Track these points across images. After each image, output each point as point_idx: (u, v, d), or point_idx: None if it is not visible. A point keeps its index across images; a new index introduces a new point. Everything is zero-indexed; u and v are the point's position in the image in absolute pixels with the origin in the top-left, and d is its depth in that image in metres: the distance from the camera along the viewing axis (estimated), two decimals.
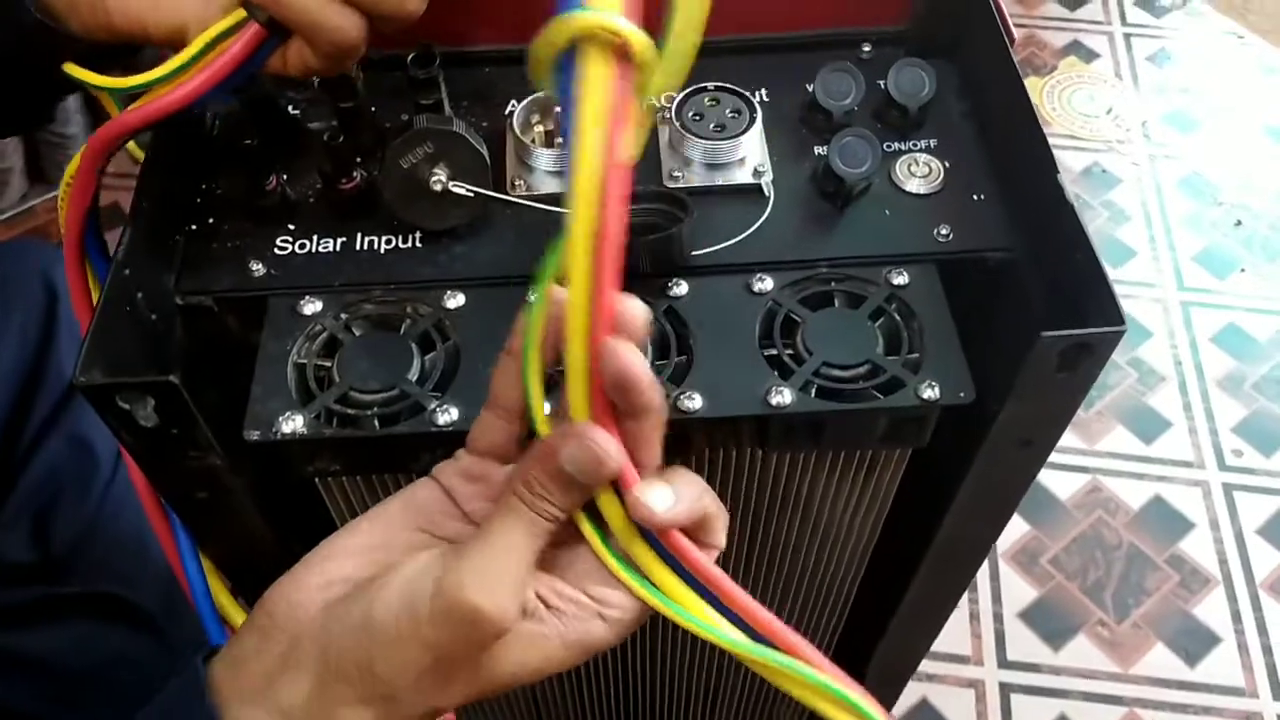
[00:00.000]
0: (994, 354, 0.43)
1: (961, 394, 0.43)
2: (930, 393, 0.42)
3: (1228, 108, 1.58)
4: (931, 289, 0.46)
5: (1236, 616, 1.11)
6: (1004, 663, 1.07)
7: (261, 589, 0.55)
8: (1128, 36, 1.67)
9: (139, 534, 0.73)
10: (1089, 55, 1.64)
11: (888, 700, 0.81)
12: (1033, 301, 0.45)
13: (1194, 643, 1.10)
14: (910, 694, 1.05)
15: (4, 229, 1.39)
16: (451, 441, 0.44)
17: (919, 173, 0.49)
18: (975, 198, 0.49)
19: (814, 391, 0.43)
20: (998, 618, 1.10)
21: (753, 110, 0.49)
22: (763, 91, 0.52)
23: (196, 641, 0.44)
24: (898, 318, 0.45)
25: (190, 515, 0.46)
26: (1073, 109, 1.57)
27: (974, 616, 1.10)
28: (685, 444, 0.46)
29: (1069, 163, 1.50)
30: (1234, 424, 1.25)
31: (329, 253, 0.47)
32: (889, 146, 0.50)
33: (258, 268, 0.46)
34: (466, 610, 0.32)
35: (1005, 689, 1.06)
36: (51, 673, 0.70)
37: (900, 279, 0.46)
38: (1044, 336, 0.39)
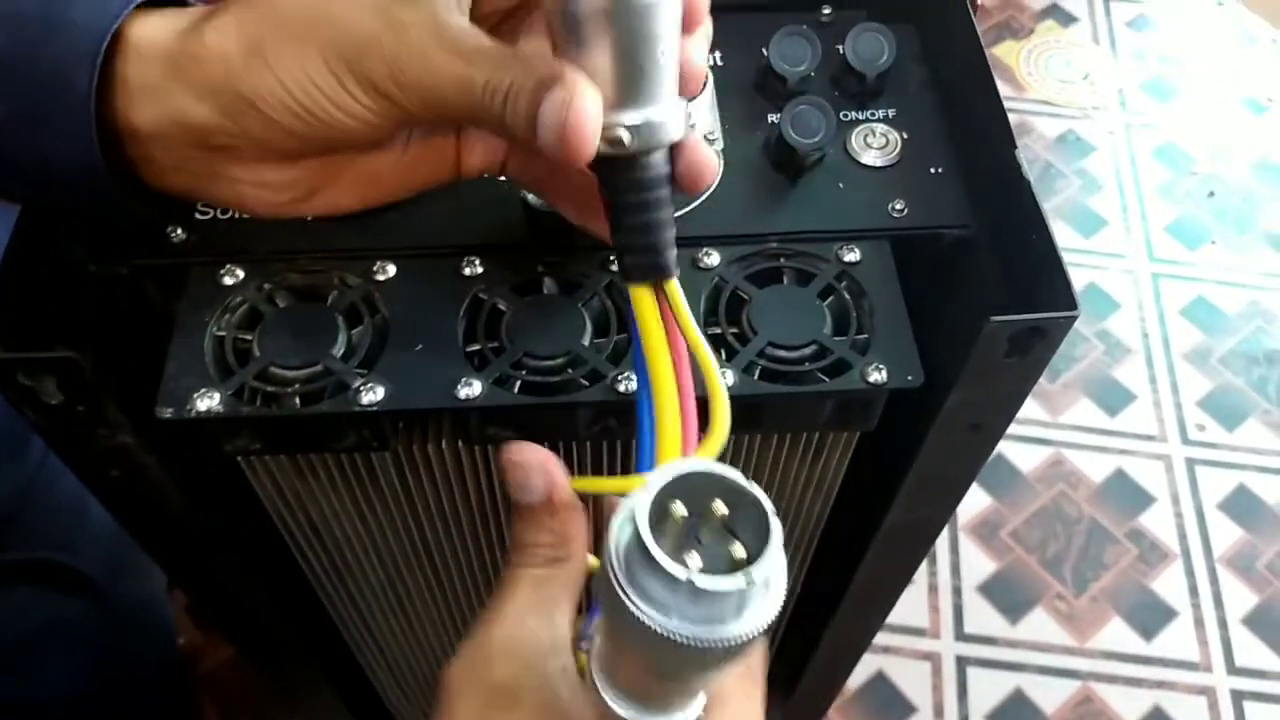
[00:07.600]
0: (944, 336, 0.42)
1: (909, 377, 0.41)
2: (877, 376, 0.41)
3: (1206, 76, 1.56)
4: (884, 267, 0.44)
5: (1194, 591, 1.12)
6: (961, 635, 1.08)
7: (188, 570, 0.53)
8: (1107, 1, 1.65)
9: (79, 497, 0.71)
10: (1067, 19, 1.62)
11: (842, 673, 0.81)
12: (986, 282, 0.44)
13: (1151, 617, 1.10)
14: (866, 666, 1.05)
15: None
16: (376, 422, 0.42)
17: (875, 144, 0.47)
18: (932, 171, 0.47)
19: (757, 374, 0.41)
20: (956, 590, 1.10)
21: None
22: (716, 55, 0.50)
23: None
24: (848, 296, 0.43)
25: (105, 493, 0.44)
26: (1049, 74, 1.54)
27: (932, 589, 1.10)
28: (624, 425, 0.44)
29: (1043, 129, 1.48)
30: (1199, 398, 1.25)
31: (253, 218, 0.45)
32: (845, 116, 0.48)
33: (177, 233, 0.44)
34: None
35: (962, 662, 1.06)
36: None
37: (852, 256, 0.44)
38: (991, 321, 0.37)
